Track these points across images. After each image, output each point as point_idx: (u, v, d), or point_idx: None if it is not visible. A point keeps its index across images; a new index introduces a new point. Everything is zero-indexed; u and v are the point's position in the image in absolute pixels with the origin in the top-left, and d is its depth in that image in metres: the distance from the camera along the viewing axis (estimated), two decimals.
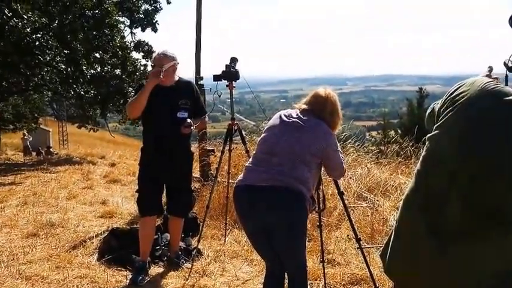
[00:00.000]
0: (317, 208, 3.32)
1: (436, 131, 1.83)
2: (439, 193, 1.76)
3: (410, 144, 7.78)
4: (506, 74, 2.05)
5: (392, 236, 1.97)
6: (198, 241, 4.34)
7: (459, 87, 1.80)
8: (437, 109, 1.88)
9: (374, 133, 18.60)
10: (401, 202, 1.95)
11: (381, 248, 2.09)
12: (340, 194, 3.46)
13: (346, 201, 3.63)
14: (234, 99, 4.54)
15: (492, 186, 1.67)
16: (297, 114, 2.87)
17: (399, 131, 17.95)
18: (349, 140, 7.73)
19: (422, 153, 1.89)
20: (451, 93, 1.82)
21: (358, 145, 7.79)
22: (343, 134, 7.87)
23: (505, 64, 2.05)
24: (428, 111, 1.98)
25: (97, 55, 15.66)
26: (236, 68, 4.30)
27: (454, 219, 1.72)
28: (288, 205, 2.69)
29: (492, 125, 1.67)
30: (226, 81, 4.28)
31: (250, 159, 2.93)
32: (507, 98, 1.68)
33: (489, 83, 1.75)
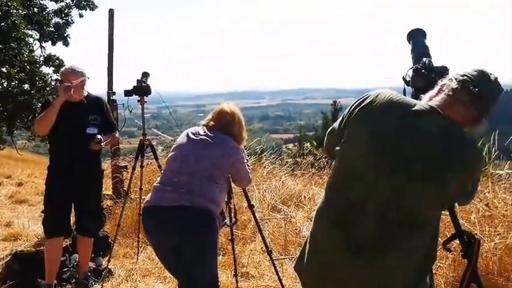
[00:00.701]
0: (229, 222, 3.35)
1: (344, 144, 1.86)
2: (352, 204, 1.80)
3: (324, 156, 8.01)
4: (404, 88, 2.18)
5: (307, 248, 1.98)
6: (109, 261, 4.21)
7: (365, 100, 1.85)
8: (343, 123, 1.90)
9: (290, 145, 18.96)
10: (315, 213, 1.97)
11: (295, 259, 2.12)
12: (251, 206, 3.52)
13: (259, 214, 3.70)
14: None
15: (406, 195, 1.72)
16: (204, 131, 2.91)
17: (314, 143, 18.41)
18: (265, 153, 7.87)
19: (333, 167, 1.93)
20: (357, 106, 1.85)
21: (274, 158, 7.92)
22: (259, 147, 8.01)
23: (403, 78, 2.18)
24: (332, 127, 2.02)
25: (3, 69, 14.85)
26: (148, 83, 4.26)
27: (368, 229, 1.76)
28: (197, 225, 2.69)
29: (401, 136, 1.74)
30: (137, 96, 4.23)
31: (159, 178, 2.91)
32: (413, 109, 1.76)
33: (394, 94, 1.82)
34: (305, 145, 16.43)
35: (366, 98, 1.85)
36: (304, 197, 5.92)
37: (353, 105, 1.89)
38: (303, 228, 4.83)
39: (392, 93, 1.84)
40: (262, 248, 4.69)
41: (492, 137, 5.46)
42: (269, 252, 3.54)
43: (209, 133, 2.90)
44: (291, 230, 4.90)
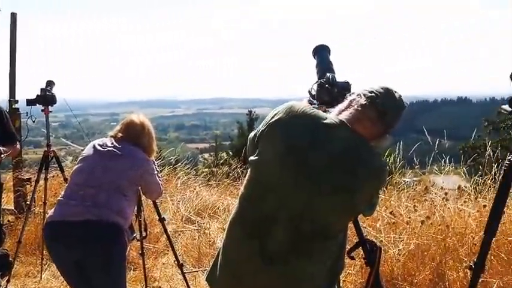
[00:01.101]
0: (138, 236, 3.26)
1: (258, 156, 1.87)
2: (266, 216, 1.80)
3: (239, 165, 8.03)
4: (311, 100, 2.23)
5: (220, 259, 1.97)
6: (8, 281, 3.93)
7: (278, 112, 1.86)
8: (258, 134, 1.92)
9: (206, 155, 18.89)
10: (228, 225, 1.97)
11: (207, 271, 2.09)
12: (161, 220, 3.44)
13: (173, 226, 3.64)
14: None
15: (318, 207, 1.76)
16: (112, 143, 2.81)
17: (230, 152, 18.51)
18: (180, 163, 7.76)
19: (247, 177, 1.93)
20: (271, 118, 1.87)
21: (189, 168, 7.83)
22: (174, 157, 7.89)
23: (309, 92, 2.23)
24: (250, 136, 2.03)
25: None
26: (53, 92, 4.05)
27: (281, 240, 1.78)
28: (102, 238, 2.59)
29: (312, 148, 1.77)
30: (41, 105, 4.02)
31: (63, 192, 2.77)
32: (324, 122, 1.80)
33: (307, 107, 1.86)
34: (221, 155, 16.47)
35: (279, 111, 1.87)
36: (219, 208, 5.88)
37: (268, 116, 1.91)
38: (217, 239, 4.80)
39: (306, 106, 1.88)
40: (175, 261, 4.59)
41: (397, 147, 5.76)
42: (180, 266, 3.48)
43: (117, 144, 2.81)
44: (204, 242, 4.85)
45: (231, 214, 1.97)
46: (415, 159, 5.75)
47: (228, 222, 1.98)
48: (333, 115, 1.88)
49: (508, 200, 3.64)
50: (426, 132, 5.91)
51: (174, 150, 8.53)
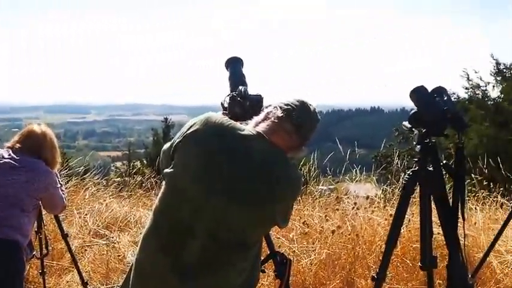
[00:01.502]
0: (38, 254, 3.04)
1: (173, 168, 1.83)
2: (182, 229, 1.77)
3: (153, 175, 7.83)
4: (224, 113, 2.18)
5: (132, 274, 1.89)
6: None
7: (194, 124, 1.84)
8: (173, 145, 1.88)
9: (119, 164, 18.33)
10: (141, 239, 1.90)
11: (118, 287, 2.00)
12: (64, 236, 3.24)
13: (79, 240, 3.44)
14: None
15: (235, 219, 1.76)
16: (10, 154, 2.59)
17: (145, 161, 18.12)
18: (90, 173, 7.40)
19: (161, 190, 1.87)
20: (187, 129, 1.84)
21: (99, 178, 7.49)
22: (83, 167, 7.52)
23: (222, 104, 2.22)
24: (164, 148, 1.98)
25: None
26: None
27: (197, 253, 1.75)
28: (1, 258, 2.41)
29: (229, 160, 1.76)
30: None
31: None
32: (242, 133, 1.80)
33: (224, 119, 1.85)
34: (134, 163, 16.06)
35: (195, 123, 1.85)
36: (130, 220, 5.66)
37: (184, 128, 1.88)
38: (128, 253, 4.59)
39: (223, 117, 1.87)
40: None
41: (313, 157, 5.88)
42: (84, 285, 3.29)
43: (15, 156, 2.59)
44: (113, 257, 4.62)
45: (145, 228, 1.91)
46: (328, 168, 5.90)
47: (142, 236, 1.92)
48: (249, 127, 1.89)
49: (413, 208, 3.82)
50: (338, 142, 6.10)
51: (83, 158, 8.15)
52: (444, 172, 2.56)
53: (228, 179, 1.76)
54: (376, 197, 4.87)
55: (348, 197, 4.98)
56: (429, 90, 2.51)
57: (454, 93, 15.95)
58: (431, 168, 2.52)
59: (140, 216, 5.76)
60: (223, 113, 2.15)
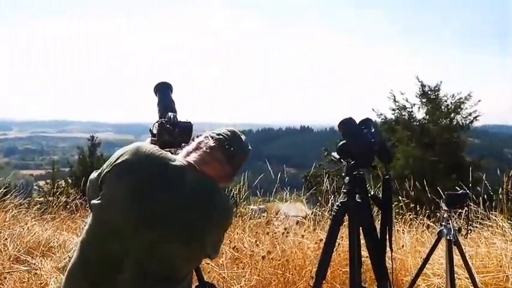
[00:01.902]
0: None
1: (101, 199, 1.78)
2: (110, 262, 1.72)
3: (78, 196, 7.54)
4: (153, 140, 2.15)
5: None
6: None
7: (124, 153, 1.81)
8: (102, 175, 1.83)
9: (42, 183, 17.51)
10: (67, 271, 1.83)
11: None
12: None
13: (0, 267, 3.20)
14: None
15: (166, 251, 1.73)
16: None
17: (69, 180, 17.42)
18: (10, 194, 7.01)
19: (89, 222, 1.81)
20: (116, 159, 1.80)
21: (21, 198, 7.11)
22: (3, 187, 7.11)
23: (151, 131, 2.19)
24: (92, 177, 1.92)
25: None
26: None
27: (127, 286, 1.71)
28: None
29: (162, 191, 1.73)
30: None
31: None
32: (173, 163, 1.78)
33: (154, 149, 1.83)
34: (59, 183, 15.38)
35: (125, 152, 1.82)
36: (53, 245, 5.40)
37: (112, 157, 1.84)
38: (51, 281, 4.37)
39: (153, 147, 1.85)
40: None
41: (244, 177, 5.88)
42: None
43: None
44: (35, 284, 4.39)
45: (71, 260, 1.84)
46: (259, 189, 5.92)
47: (68, 269, 1.84)
48: (180, 157, 1.88)
49: (343, 231, 3.90)
50: (268, 162, 6.14)
51: (4, 178, 7.71)
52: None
53: (158, 210, 1.73)
54: (306, 218, 4.94)
55: (277, 219, 5.01)
56: (357, 121, 2.58)
57: (381, 114, 16.69)
58: (359, 200, 2.58)
59: (64, 240, 5.53)
60: (151, 140, 2.14)
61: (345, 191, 2.62)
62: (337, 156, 2.61)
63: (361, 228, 2.58)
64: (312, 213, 5.09)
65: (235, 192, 5.64)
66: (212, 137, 1.89)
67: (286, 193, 5.56)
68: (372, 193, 2.67)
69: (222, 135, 1.89)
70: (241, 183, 5.84)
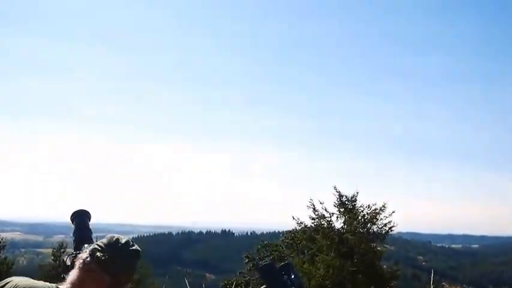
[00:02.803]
0: None
1: None
2: None
3: None
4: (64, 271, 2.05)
5: None
6: None
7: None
8: None
9: None
10: None
11: None
12: None
13: None
14: None
15: None
16: None
17: None
18: None
19: None
20: None
21: None
22: None
23: (63, 261, 2.07)
24: None
25: None
26: None
27: None
28: None
29: None
30: None
31: None
32: None
33: (29, 281, 1.80)
34: None
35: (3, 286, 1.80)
36: None
37: None
38: None
39: (28, 280, 1.82)
40: None
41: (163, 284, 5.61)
42: None
43: None
44: None
45: None
46: None
47: None
48: (66, 282, 1.81)
49: None
50: (188, 266, 5.96)
51: None
52: None
53: None
54: None
55: None
56: (277, 267, 2.58)
57: (302, 223, 16.80)
58: None
59: None
60: (63, 271, 1.99)
61: None
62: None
63: None
64: None
65: None
66: (87, 250, 1.83)
67: None
68: None
69: (97, 245, 1.82)
70: None
